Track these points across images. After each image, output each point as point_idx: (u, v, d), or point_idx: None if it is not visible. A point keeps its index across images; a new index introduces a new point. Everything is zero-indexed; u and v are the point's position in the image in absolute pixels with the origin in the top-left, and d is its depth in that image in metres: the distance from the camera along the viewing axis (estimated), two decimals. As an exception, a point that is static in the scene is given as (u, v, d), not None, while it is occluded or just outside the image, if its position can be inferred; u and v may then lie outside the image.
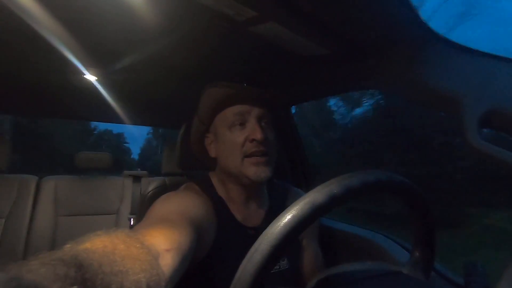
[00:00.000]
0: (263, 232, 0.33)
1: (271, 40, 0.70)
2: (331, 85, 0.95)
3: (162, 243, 0.42)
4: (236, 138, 0.71)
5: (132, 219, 1.90)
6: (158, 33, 0.74)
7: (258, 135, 0.68)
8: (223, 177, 0.77)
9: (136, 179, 2.09)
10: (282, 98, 0.79)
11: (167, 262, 0.40)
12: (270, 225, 0.33)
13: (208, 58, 0.89)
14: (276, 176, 0.85)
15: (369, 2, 0.52)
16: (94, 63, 0.97)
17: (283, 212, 0.34)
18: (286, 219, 0.33)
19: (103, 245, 0.33)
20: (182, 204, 0.63)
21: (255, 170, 0.69)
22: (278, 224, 0.33)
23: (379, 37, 0.62)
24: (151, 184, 1.12)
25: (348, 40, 0.65)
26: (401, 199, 0.41)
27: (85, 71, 1.03)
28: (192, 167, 1.09)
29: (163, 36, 0.75)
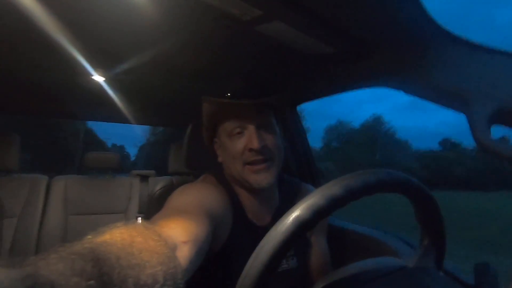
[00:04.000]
0: (267, 233, 0.33)
1: (277, 39, 0.70)
2: (338, 83, 0.94)
3: (179, 235, 0.43)
4: (236, 146, 0.71)
5: (140, 218, 1.92)
6: (164, 34, 0.74)
7: (255, 144, 0.68)
8: (232, 179, 0.77)
9: (144, 178, 2.11)
10: (283, 102, 0.78)
11: (184, 254, 0.41)
12: (274, 226, 0.34)
13: (214, 57, 0.89)
14: (284, 174, 0.85)
15: (375, 0, 0.51)
16: (101, 64, 0.98)
17: (287, 212, 0.34)
18: (290, 220, 0.33)
19: (121, 238, 0.33)
20: (199, 196, 0.64)
21: (256, 178, 0.70)
22: (282, 224, 0.33)
23: (386, 34, 0.62)
24: (158, 184, 1.14)
25: (355, 38, 0.65)
26: (403, 194, 0.41)
27: (93, 72, 1.05)
28: (199, 166, 1.10)
29: (169, 37, 0.76)
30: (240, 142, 0.71)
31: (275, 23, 0.62)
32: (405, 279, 0.43)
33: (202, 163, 1.08)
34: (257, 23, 0.63)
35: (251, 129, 0.70)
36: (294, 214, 0.33)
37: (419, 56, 0.60)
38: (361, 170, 0.37)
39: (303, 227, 0.33)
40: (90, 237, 0.32)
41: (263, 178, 0.70)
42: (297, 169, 1.33)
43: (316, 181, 1.33)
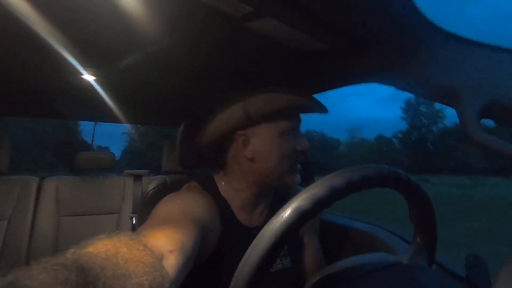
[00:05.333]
0: (259, 233, 0.33)
1: (269, 35, 0.69)
2: (331, 80, 0.95)
3: (165, 244, 0.42)
4: (290, 145, 0.72)
5: (133, 218, 1.91)
6: (155, 32, 0.73)
7: (306, 145, 0.72)
8: (235, 177, 0.75)
9: (137, 178, 2.10)
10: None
11: (171, 263, 0.40)
12: (265, 225, 0.34)
13: (206, 56, 0.88)
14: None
15: None
16: (92, 64, 0.97)
17: (277, 212, 0.34)
18: (281, 219, 0.33)
19: (105, 249, 0.32)
20: (184, 204, 0.63)
21: (295, 178, 0.73)
22: (273, 224, 0.33)
23: (379, 31, 0.62)
24: (151, 183, 1.13)
25: (347, 35, 0.65)
26: (396, 190, 0.41)
27: (83, 71, 1.03)
28: (193, 165, 1.09)
29: (160, 35, 0.75)
30: (293, 141, 0.72)
31: (267, 20, 0.61)
32: (398, 275, 0.44)
33: (196, 162, 1.07)
34: (249, 20, 0.62)
35: (299, 129, 0.74)
36: (295, 205, 0.33)
37: (411, 52, 0.61)
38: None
39: (303, 217, 0.33)
40: (72, 249, 0.31)
41: (298, 177, 0.74)
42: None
43: (311, 181, 1.33)
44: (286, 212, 0.33)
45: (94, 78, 1.11)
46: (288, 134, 0.72)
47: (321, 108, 0.77)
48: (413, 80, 0.62)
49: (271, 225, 0.33)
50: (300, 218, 0.32)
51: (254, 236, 0.34)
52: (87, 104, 1.53)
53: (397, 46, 0.64)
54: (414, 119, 40.81)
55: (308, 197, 0.33)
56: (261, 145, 0.72)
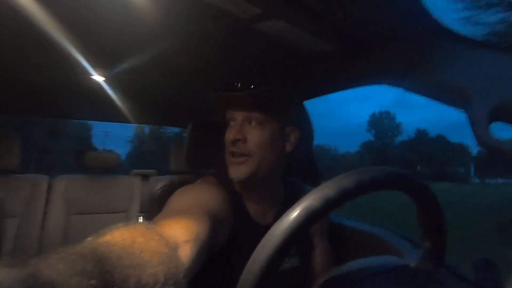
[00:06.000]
0: (267, 233, 0.33)
1: (276, 37, 0.70)
2: (338, 81, 0.94)
3: (180, 235, 0.43)
4: (226, 136, 0.73)
5: (141, 217, 1.92)
6: (164, 33, 0.74)
7: (230, 136, 0.71)
8: None
9: (145, 177, 2.12)
10: (275, 98, 0.76)
11: (186, 253, 0.41)
12: (275, 224, 0.33)
13: (214, 56, 0.89)
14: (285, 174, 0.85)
15: None
16: (101, 64, 0.98)
17: (287, 211, 0.34)
18: (290, 218, 0.33)
19: (122, 238, 0.33)
20: (199, 196, 0.64)
21: (232, 170, 0.72)
22: (283, 223, 0.33)
23: (386, 32, 0.61)
24: (159, 183, 1.13)
25: (354, 36, 0.65)
26: (405, 192, 0.41)
27: (92, 72, 1.05)
28: (200, 165, 1.10)
29: (169, 36, 0.76)
30: (227, 132, 0.73)
31: (274, 21, 0.61)
32: (406, 278, 0.43)
33: (203, 162, 1.08)
34: (256, 21, 0.63)
35: (236, 121, 0.72)
36: (305, 204, 0.33)
37: (419, 53, 0.60)
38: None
39: (313, 217, 0.32)
40: (90, 238, 0.32)
41: (236, 170, 0.71)
42: (297, 168, 1.33)
43: (317, 181, 1.33)
44: (296, 211, 0.33)
45: (103, 78, 1.13)
46: (230, 125, 0.74)
47: (245, 101, 0.72)
48: (422, 81, 0.61)
49: (281, 224, 0.33)
50: (310, 218, 0.32)
51: (263, 233, 0.34)
52: (96, 104, 1.55)
53: (407, 47, 0.63)
54: (378, 132, 45.37)
55: (318, 197, 0.33)
56: None
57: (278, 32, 0.67)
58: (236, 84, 0.73)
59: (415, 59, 0.61)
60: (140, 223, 0.38)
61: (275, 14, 0.59)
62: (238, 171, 0.70)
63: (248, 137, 0.71)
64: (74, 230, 1.83)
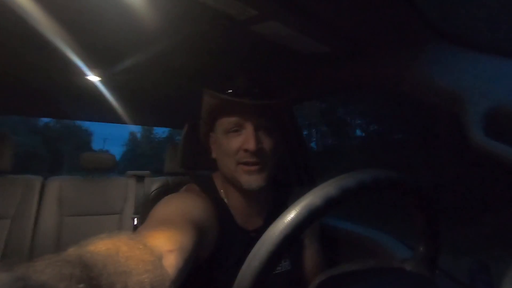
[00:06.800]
0: (261, 237, 0.33)
1: (273, 38, 0.70)
2: (333, 85, 0.95)
3: (164, 244, 0.42)
4: (231, 144, 0.70)
5: (135, 219, 1.91)
6: (160, 34, 0.74)
7: (251, 146, 0.67)
8: (224, 178, 0.76)
9: (139, 179, 2.10)
10: (284, 105, 0.77)
11: (171, 262, 0.40)
12: (267, 230, 0.33)
13: (211, 57, 0.89)
14: (279, 176, 0.84)
15: (370, 0, 0.51)
16: (97, 64, 0.98)
17: (281, 215, 0.33)
18: (284, 222, 0.32)
19: (106, 247, 0.33)
20: (183, 205, 0.63)
21: (247, 179, 0.69)
22: (276, 228, 0.32)
23: (381, 35, 0.62)
24: (154, 184, 1.13)
25: (350, 39, 0.65)
26: (400, 194, 0.41)
27: (88, 72, 1.04)
28: (195, 167, 1.09)
29: (165, 37, 0.76)
30: (236, 140, 0.70)
31: (271, 23, 0.62)
32: (401, 281, 0.43)
33: (198, 164, 1.08)
34: (253, 23, 0.63)
35: (249, 129, 0.69)
36: (304, 203, 0.33)
37: (413, 56, 0.61)
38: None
39: (314, 215, 0.32)
40: (73, 248, 0.31)
41: (254, 180, 0.69)
42: (294, 170, 1.33)
43: (313, 182, 1.33)
44: (297, 209, 0.32)
45: (99, 79, 1.12)
46: (232, 133, 0.71)
47: (257, 109, 0.70)
48: (415, 85, 0.61)
49: (280, 222, 0.32)
50: (311, 216, 0.32)
51: (252, 238, 0.34)
52: (91, 105, 1.54)
53: (400, 49, 0.63)
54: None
55: (320, 195, 0.33)
56: (217, 145, 0.75)
57: (275, 33, 0.67)
58: (247, 89, 0.71)
59: (409, 63, 0.61)
60: (123, 233, 0.38)
61: (271, 16, 0.59)
62: (255, 180, 0.69)
63: (264, 145, 0.70)
64: (67, 232, 1.80)
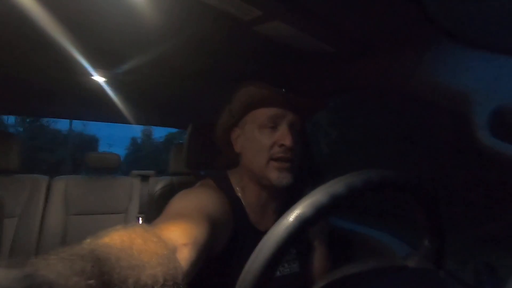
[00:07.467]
0: (262, 240, 0.33)
1: (277, 39, 0.70)
2: (338, 85, 0.94)
3: (179, 238, 0.43)
4: (265, 139, 0.70)
5: (140, 218, 1.92)
6: (165, 35, 0.74)
7: (288, 142, 0.68)
8: (244, 175, 0.76)
9: (144, 178, 2.11)
10: (318, 106, 0.78)
11: (184, 256, 0.41)
12: (268, 232, 0.33)
13: (215, 58, 0.89)
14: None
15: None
16: (102, 65, 0.98)
17: (283, 215, 0.34)
18: (282, 226, 0.32)
19: (121, 240, 0.33)
20: (199, 200, 0.63)
21: (278, 175, 0.69)
22: (276, 231, 0.32)
23: (387, 35, 0.61)
24: (158, 184, 1.13)
25: (356, 39, 0.65)
26: (403, 194, 0.41)
27: (93, 72, 1.05)
28: (199, 166, 1.10)
29: (170, 37, 0.76)
30: (271, 136, 0.70)
31: (275, 23, 0.62)
32: (406, 279, 0.43)
33: (203, 163, 1.08)
34: (257, 23, 0.63)
35: (284, 125, 0.70)
36: (296, 212, 0.33)
37: (419, 56, 0.60)
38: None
39: (304, 224, 0.32)
40: (89, 240, 0.32)
41: (284, 176, 0.69)
42: (305, 171, 1.33)
43: (317, 183, 1.32)
44: (288, 219, 0.33)
45: (104, 79, 1.13)
46: (268, 128, 0.71)
47: (297, 104, 0.72)
48: (421, 85, 0.61)
49: (273, 232, 0.33)
50: (301, 225, 0.32)
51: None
52: (96, 105, 1.55)
53: (405, 51, 0.63)
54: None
55: (310, 204, 0.33)
56: (245, 139, 0.75)
57: (279, 34, 0.67)
58: (291, 87, 0.72)
59: (415, 62, 0.61)
60: (139, 225, 0.38)
61: (275, 16, 0.59)
62: (285, 177, 0.69)
63: (296, 143, 0.71)
64: (73, 231, 1.83)
